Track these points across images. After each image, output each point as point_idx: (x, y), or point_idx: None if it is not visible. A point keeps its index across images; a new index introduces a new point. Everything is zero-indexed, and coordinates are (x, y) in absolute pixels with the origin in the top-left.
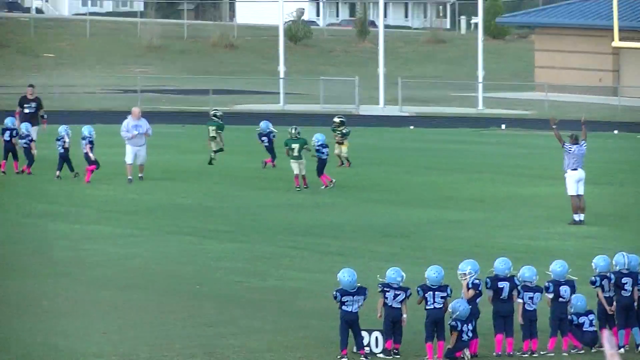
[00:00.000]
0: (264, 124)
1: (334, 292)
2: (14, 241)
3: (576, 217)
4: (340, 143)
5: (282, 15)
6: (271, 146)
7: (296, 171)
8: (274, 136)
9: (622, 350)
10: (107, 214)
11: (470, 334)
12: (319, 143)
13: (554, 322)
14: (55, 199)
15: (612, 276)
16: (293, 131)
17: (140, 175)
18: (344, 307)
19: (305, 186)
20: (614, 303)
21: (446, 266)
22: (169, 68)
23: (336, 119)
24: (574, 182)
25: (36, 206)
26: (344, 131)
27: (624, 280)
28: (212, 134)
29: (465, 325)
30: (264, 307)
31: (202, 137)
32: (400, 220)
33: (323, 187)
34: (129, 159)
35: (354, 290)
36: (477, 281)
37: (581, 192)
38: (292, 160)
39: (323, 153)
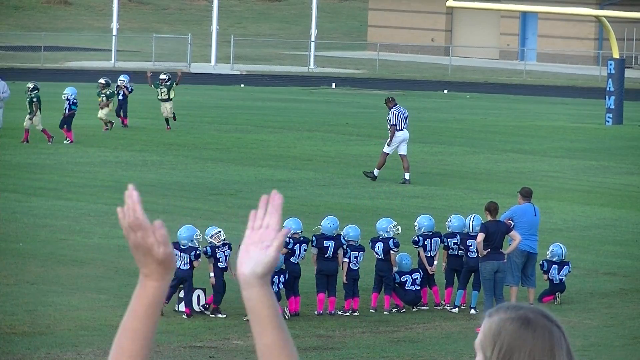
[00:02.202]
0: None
1: None
2: None
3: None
4: (106, 106)
5: None
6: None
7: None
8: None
9: (456, 309)
10: None
11: (280, 286)
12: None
13: (377, 278)
14: None
15: (458, 237)
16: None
17: None
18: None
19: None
20: (435, 263)
21: None
22: (2, 24)
23: (102, 80)
24: (398, 142)
25: None
26: (107, 93)
27: (469, 242)
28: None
29: (277, 277)
30: (88, 265)
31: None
32: (229, 178)
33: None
34: None
35: (185, 247)
36: (287, 239)
37: (404, 152)
38: None
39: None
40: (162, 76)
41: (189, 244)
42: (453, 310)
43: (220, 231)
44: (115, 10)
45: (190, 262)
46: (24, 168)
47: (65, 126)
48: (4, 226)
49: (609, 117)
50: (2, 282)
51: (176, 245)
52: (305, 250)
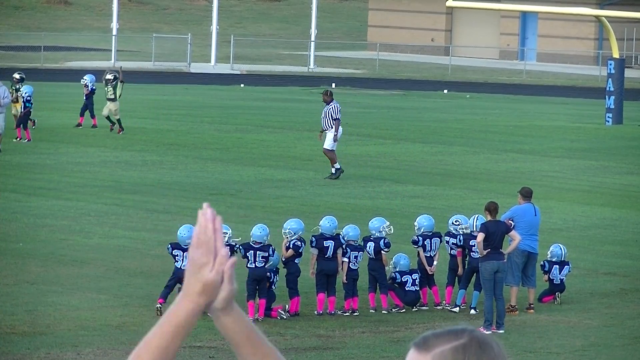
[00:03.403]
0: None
1: (168, 246)
2: None
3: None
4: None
5: None
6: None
7: None
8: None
9: (457, 309)
10: None
11: (274, 286)
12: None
13: (371, 278)
14: None
15: (461, 238)
16: None
17: None
18: (176, 264)
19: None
20: (435, 263)
21: (272, 224)
22: (2, 24)
23: (16, 75)
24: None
25: None
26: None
27: (472, 242)
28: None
29: (274, 275)
30: (88, 265)
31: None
32: (229, 178)
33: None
34: None
35: (186, 246)
36: (298, 243)
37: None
38: None
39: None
40: (108, 76)
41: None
42: (454, 309)
43: (226, 233)
44: (115, 10)
45: None
46: (24, 168)
47: (21, 125)
48: (4, 226)
49: (609, 117)
50: (1, 282)
51: (177, 245)
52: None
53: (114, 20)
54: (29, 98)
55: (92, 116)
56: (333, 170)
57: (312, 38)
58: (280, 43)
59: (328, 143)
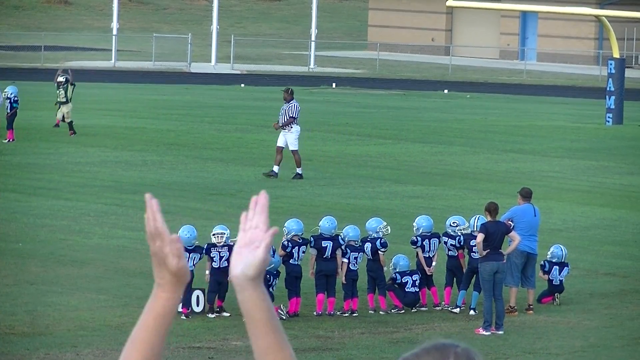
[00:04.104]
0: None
1: None
2: None
3: (276, 169)
4: None
5: None
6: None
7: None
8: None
9: (457, 310)
10: None
11: (272, 289)
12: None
13: (370, 279)
14: None
15: (461, 239)
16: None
17: None
18: None
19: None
20: (434, 264)
21: (271, 224)
22: (2, 24)
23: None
24: (297, 136)
25: None
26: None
27: (472, 242)
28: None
29: (273, 278)
30: (88, 266)
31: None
32: (229, 178)
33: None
34: None
35: (191, 247)
36: (285, 242)
37: (295, 148)
38: None
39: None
40: (60, 78)
41: (196, 243)
42: (454, 310)
43: (224, 233)
44: (115, 10)
45: (194, 263)
46: (24, 168)
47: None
48: (4, 226)
49: (609, 117)
50: (1, 282)
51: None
52: (304, 252)
53: (114, 20)
54: (15, 99)
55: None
56: (299, 171)
57: (313, 38)
58: (281, 43)
59: (293, 143)
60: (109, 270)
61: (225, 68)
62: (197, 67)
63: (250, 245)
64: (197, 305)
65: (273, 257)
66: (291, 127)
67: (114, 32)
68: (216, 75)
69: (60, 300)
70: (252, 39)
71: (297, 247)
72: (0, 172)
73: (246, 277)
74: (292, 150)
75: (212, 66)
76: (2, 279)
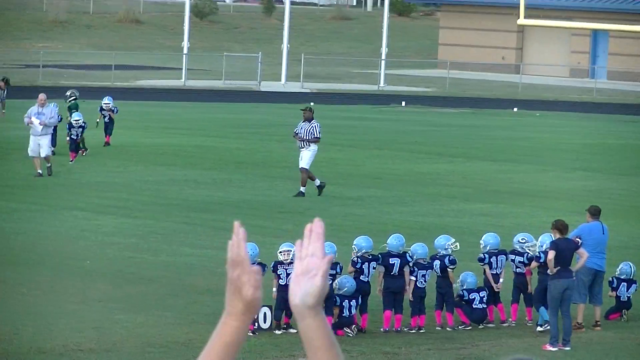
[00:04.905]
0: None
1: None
2: None
3: (303, 189)
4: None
5: None
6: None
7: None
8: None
9: (540, 328)
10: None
11: (352, 310)
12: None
13: (438, 296)
14: None
15: (529, 256)
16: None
17: (47, 165)
18: None
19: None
20: (501, 280)
21: (340, 242)
22: (75, 43)
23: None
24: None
25: None
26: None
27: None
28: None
29: (348, 301)
30: (155, 283)
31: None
32: (297, 196)
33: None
34: (30, 151)
35: (253, 264)
36: (355, 259)
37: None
38: None
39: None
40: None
41: (258, 260)
42: (538, 329)
43: (290, 250)
44: (186, 29)
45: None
46: (93, 186)
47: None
48: (72, 244)
49: None
50: (69, 300)
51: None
52: (374, 267)
53: (185, 38)
54: (83, 124)
55: (109, 134)
56: (302, 189)
57: (383, 56)
58: (351, 61)
59: (307, 162)
60: (176, 287)
61: (294, 87)
62: (267, 86)
63: (307, 274)
64: (265, 321)
65: (339, 273)
66: (309, 145)
67: (185, 50)
68: (286, 94)
69: (127, 318)
70: (322, 58)
71: (367, 263)
72: (69, 191)
73: (306, 305)
74: (302, 168)
75: (281, 85)
76: (69, 296)
